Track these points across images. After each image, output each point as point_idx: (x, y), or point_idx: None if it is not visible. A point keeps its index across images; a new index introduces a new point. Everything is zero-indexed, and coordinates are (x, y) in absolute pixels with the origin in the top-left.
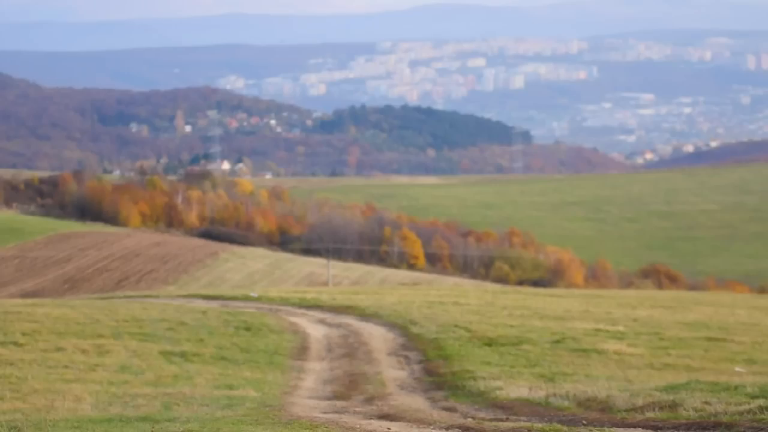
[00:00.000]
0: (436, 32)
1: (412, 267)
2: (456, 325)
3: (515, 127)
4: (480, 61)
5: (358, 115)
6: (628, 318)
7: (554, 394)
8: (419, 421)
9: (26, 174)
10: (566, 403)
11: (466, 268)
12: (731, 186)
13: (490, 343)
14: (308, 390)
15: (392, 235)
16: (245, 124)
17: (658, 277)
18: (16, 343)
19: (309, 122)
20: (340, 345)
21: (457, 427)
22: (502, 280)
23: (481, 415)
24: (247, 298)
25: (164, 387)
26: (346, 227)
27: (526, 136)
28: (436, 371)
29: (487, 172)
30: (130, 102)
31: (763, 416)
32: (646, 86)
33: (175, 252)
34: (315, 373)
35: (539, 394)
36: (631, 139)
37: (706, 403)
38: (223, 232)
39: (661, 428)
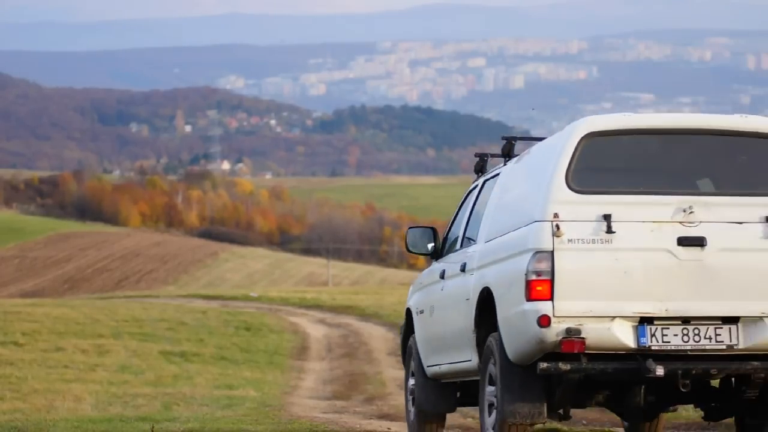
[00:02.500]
0: (436, 32)
1: (412, 267)
2: None
3: (515, 127)
4: (480, 61)
5: (358, 115)
6: None
7: None
8: None
9: (26, 174)
10: None
11: None
12: None
13: None
14: (308, 390)
15: (392, 235)
16: (245, 124)
17: None
18: (16, 343)
19: (309, 122)
20: (340, 345)
21: (457, 427)
22: None
23: None
24: (247, 298)
25: (164, 387)
26: (346, 227)
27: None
28: None
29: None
30: (130, 102)
31: None
32: (646, 86)
33: (175, 252)
34: (315, 373)
35: None
36: None
37: None
38: (223, 232)
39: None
